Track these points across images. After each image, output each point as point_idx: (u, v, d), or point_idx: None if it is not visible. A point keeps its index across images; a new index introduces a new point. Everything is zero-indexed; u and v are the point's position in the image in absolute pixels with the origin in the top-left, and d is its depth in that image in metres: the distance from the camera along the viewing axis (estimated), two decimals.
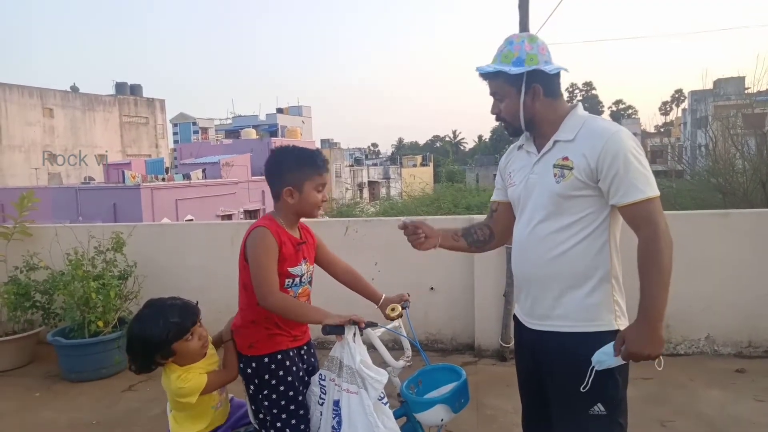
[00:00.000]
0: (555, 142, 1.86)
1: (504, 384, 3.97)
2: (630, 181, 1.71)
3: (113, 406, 3.88)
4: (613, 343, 1.74)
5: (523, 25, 4.23)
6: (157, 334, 1.94)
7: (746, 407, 3.48)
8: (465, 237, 2.21)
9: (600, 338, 1.77)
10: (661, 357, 1.72)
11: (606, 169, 1.73)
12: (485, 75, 1.91)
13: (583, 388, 1.76)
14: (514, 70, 1.80)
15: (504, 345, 4.44)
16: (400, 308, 2.25)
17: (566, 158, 1.81)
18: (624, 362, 1.76)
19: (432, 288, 4.74)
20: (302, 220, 2.24)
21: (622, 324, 1.83)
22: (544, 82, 1.84)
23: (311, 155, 2.13)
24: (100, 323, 4.28)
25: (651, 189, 1.71)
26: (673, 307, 4.36)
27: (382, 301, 2.32)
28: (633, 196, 1.71)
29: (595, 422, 1.80)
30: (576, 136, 1.81)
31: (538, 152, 1.91)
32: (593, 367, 1.75)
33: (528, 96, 1.85)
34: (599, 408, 1.79)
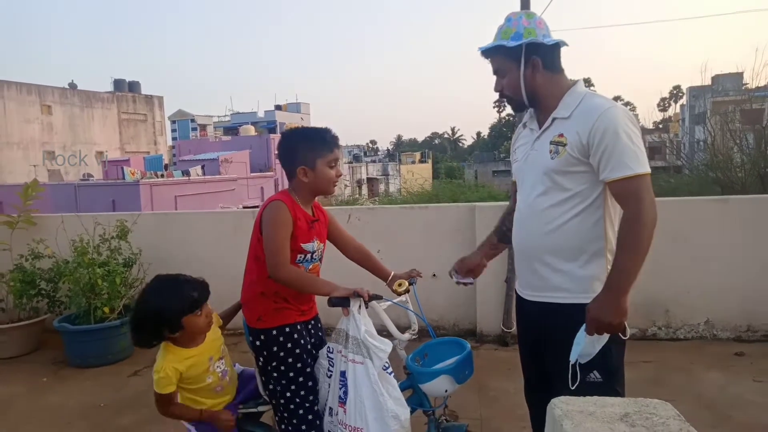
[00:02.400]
0: (553, 119, 1.91)
1: (506, 367, 4.02)
2: (618, 156, 1.73)
3: (120, 390, 3.92)
4: (582, 330, 1.77)
5: (524, 8, 4.27)
6: (173, 307, 1.98)
7: (745, 388, 3.53)
8: (500, 239, 2.28)
9: None
10: (626, 326, 1.75)
11: (596, 145, 1.77)
12: (486, 53, 1.96)
13: (573, 386, 1.79)
14: (512, 43, 1.86)
15: (506, 330, 4.48)
16: (407, 284, 2.28)
17: (561, 135, 1.86)
18: (602, 343, 1.78)
19: (434, 275, 4.78)
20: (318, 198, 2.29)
21: None
22: (543, 54, 1.89)
23: (320, 133, 2.17)
24: (106, 309, 4.32)
25: (639, 166, 1.73)
26: (672, 292, 4.47)
27: (391, 277, 2.36)
28: (620, 171, 1.73)
29: (593, 389, 1.83)
30: (572, 114, 1.86)
31: (540, 128, 1.96)
32: (577, 361, 1.78)
33: (528, 69, 1.89)
34: (595, 375, 1.83)
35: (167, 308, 1.98)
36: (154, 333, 2.03)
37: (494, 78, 2.01)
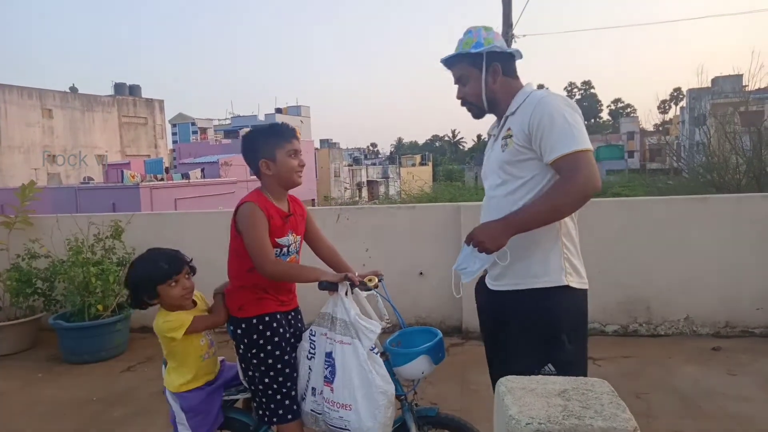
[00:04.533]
0: (505, 118, 2.05)
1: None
2: (555, 138, 1.83)
3: (113, 384, 4.03)
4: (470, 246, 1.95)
5: (506, 14, 4.39)
6: (144, 276, 2.18)
7: (718, 381, 3.63)
8: None
9: (548, 294, 1.90)
10: (496, 258, 1.91)
11: (536, 131, 1.87)
12: (450, 62, 2.11)
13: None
14: (474, 50, 2.02)
15: None
16: (376, 279, 2.39)
17: (509, 129, 1.99)
18: (479, 263, 1.96)
19: (421, 273, 4.90)
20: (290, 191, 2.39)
21: (572, 281, 1.93)
22: (502, 61, 2.04)
23: (276, 126, 2.30)
24: (100, 307, 4.43)
25: (576, 143, 1.81)
26: (653, 289, 4.58)
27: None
28: (558, 151, 1.82)
29: None
30: (517, 109, 1.99)
31: (498, 131, 2.11)
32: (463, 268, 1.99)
33: (489, 75, 2.04)
34: (550, 368, 1.91)
35: (142, 277, 2.18)
36: (138, 298, 2.23)
37: (456, 87, 2.14)
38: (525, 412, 1.28)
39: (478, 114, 2.14)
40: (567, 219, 1.95)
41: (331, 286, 2.17)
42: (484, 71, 2.03)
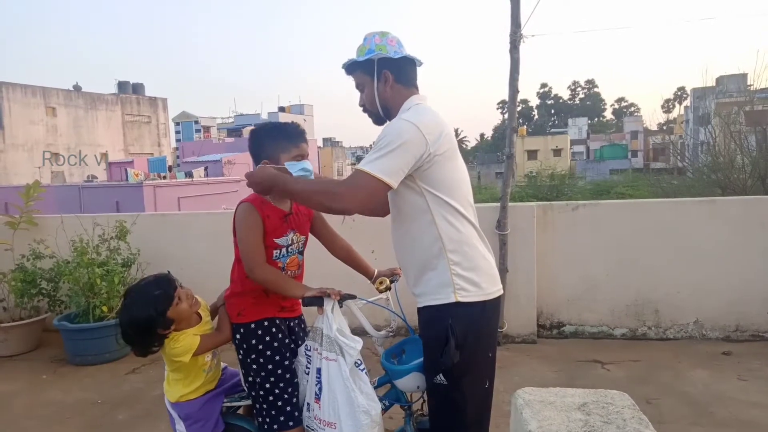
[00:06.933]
0: None
1: (496, 365, 4.09)
2: (368, 156, 1.86)
3: (117, 387, 4.00)
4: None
5: (514, 14, 4.35)
6: (149, 311, 2.05)
7: (729, 386, 3.59)
8: None
9: (439, 310, 1.91)
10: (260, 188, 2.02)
11: None
12: (348, 69, 2.09)
13: None
14: (362, 58, 2.00)
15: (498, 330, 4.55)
16: (387, 282, 2.35)
17: None
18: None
19: None
20: None
21: (464, 296, 1.91)
22: (393, 68, 2.00)
23: (284, 128, 2.22)
24: (105, 308, 4.41)
25: (368, 164, 1.80)
26: (661, 293, 4.53)
27: (375, 276, 2.42)
28: (360, 165, 1.84)
29: (437, 390, 1.95)
30: None
31: None
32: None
33: (380, 82, 2.01)
34: (441, 378, 1.93)
35: (148, 316, 2.06)
36: (152, 339, 2.12)
37: (363, 94, 2.11)
38: (545, 427, 1.24)
39: (376, 121, 2.11)
40: (446, 236, 1.91)
41: (314, 302, 2.09)
42: (376, 79, 2.01)
